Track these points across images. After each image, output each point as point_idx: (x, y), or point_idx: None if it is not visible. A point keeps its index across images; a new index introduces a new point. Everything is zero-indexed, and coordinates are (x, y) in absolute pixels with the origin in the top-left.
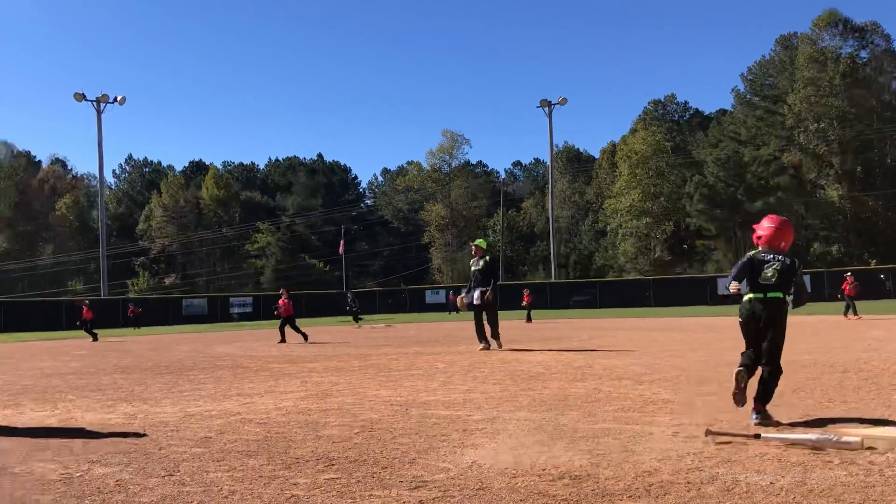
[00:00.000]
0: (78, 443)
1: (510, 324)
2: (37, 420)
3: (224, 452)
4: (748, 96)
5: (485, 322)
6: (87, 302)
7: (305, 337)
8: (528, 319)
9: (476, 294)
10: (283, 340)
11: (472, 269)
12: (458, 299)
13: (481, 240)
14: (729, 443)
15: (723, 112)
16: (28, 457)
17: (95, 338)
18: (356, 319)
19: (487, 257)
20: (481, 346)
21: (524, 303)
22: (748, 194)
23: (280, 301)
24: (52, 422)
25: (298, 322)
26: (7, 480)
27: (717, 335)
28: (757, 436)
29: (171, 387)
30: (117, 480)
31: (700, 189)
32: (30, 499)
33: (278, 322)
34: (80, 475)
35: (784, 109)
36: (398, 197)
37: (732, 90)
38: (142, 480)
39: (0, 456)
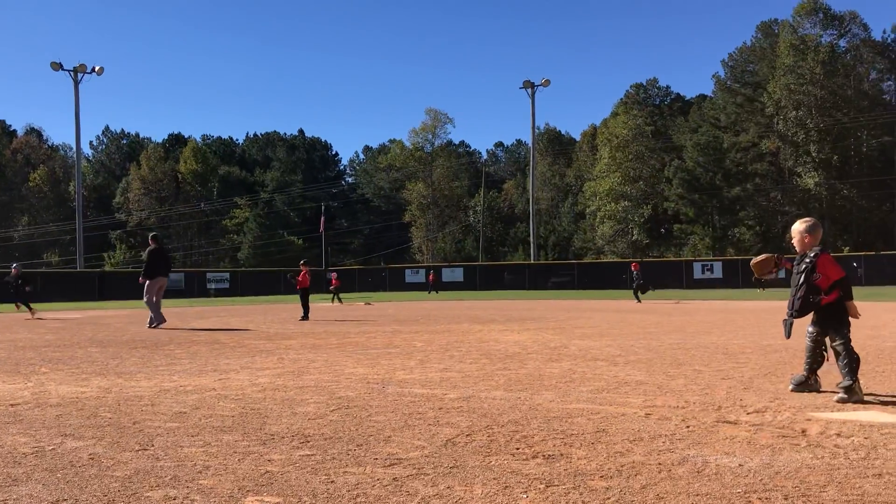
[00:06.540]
0: (51, 416)
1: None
2: (9, 393)
3: (199, 428)
4: (729, 82)
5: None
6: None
7: (306, 315)
8: (337, 300)
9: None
10: (305, 316)
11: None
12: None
13: None
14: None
15: (703, 97)
16: None
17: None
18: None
19: None
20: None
21: (332, 286)
22: (726, 180)
23: (300, 276)
24: (25, 395)
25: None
26: None
27: (692, 318)
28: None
29: (146, 361)
30: (90, 454)
31: (679, 174)
32: (1, 472)
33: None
34: (53, 448)
35: (764, 97)
36: (380, 175)
37: (713, 76)
38: (115, 454)
39: None
